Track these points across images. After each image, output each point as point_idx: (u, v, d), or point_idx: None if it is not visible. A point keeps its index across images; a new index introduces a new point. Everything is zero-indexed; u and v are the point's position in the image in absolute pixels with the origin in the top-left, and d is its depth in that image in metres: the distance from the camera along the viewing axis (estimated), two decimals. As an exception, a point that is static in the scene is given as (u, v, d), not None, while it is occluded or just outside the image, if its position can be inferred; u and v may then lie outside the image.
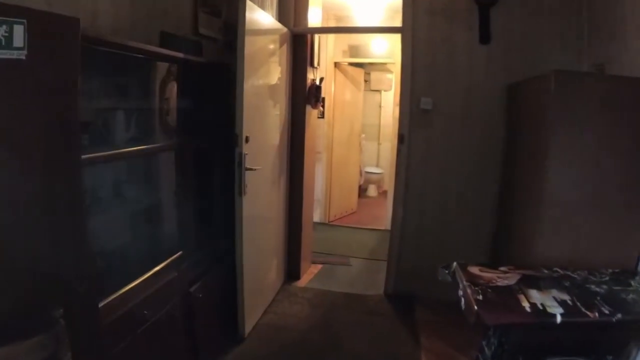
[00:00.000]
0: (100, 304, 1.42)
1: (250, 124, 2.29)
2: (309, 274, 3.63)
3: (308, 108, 3.19)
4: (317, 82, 3.23)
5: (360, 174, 6.00)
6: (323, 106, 4.74)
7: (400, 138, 2.92)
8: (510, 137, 2.76)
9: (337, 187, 5.19)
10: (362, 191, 6.44)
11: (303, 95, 3.11)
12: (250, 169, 2.25)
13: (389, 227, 4.90)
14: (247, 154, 2.23)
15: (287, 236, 3.33)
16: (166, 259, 1.93)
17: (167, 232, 2.17)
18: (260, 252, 2.71)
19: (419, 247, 3.09)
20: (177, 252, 2.03)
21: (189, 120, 2.30)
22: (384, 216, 5.29)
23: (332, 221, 5.17)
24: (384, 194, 6.94)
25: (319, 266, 3.80)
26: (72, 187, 1.26)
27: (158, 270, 1.83)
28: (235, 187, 2.24)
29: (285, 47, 2.88)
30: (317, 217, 4.98)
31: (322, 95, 4.65)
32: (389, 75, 6.82)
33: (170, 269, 1.91)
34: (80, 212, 1.30)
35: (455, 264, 1.95)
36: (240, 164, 2.20)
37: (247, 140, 2.22)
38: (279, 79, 2.82)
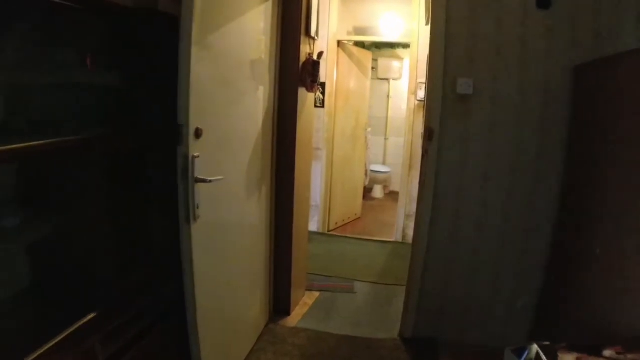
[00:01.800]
0: None
1: (207, 110, 1.50)
2: (303, 305, 2.85)
3: (302, 91, 2.39)
4: (315, 57, 2.43)
5: (366, 174, 5.21)
6: (323, 93, 3.93)
7: (429, 134, 2.12)
8: (577, 138, 1.96)
9: (339, 189, 4.40)
10: (366, 192, 5.64)
11: (295, 74, 2.30)
12: (204, 181, 1.45)
13: (400, 239, 4.15)
14: (197, 156, 1.43)
15: (273, 259, 2.55)
16: (66, 329, 1.16)
17: (70, 282, 1.39)
18: (229, 291, 1.93)
19: (448, 278, 2.31)
20: (88, 314, 1.26)
21: (113, 104, 1.51)
22: (392, 223, 4.51)
23: (332, 230, 4.38)
24: (391, 195, 6.15)
25: (316, 294, 3.01)
26: None
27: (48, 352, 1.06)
28: (180, 210, 1.45)
29: (270, 4, 2.07)
30: (314, 226, 4.20)
31: (322, 79, 3.85)
32: (399, 63, 5.99)
33: (72, 345, 1.13)
34: None
35: (535, 348, 1.16)
36: (186, 172, 1.41)
37: (198, 134, 1.43)
38: (259, 47, 2.02)
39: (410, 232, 4.13)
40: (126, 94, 1.64)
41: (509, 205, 2.14)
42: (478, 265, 2.24)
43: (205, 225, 1.55)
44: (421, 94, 3.67)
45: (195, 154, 1.43)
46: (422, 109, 3.70)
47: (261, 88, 2.10)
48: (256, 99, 2.05)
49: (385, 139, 6.31)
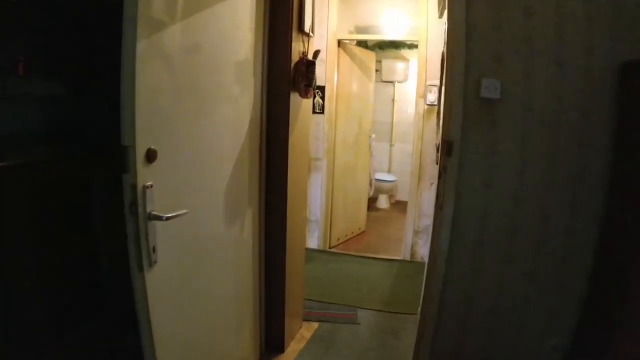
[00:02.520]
0: None
1: (164, 125, 1.16)
2: (299, 339, 2.50)
3: (295, 97, 2.05)
4: (310, 57, 2.08)
5: (370, 184, 4.86)
6: (323, 98, 3.59)
7: (448, 148, 1.76)
8: (625, 151, 1.60)
9: (342, 202, 4.05)
10: (371, 202, 5.29)
11: (286, 76, 1.96)
12: (160, 218, 1.11)
13: (408, 257, 3.79)
14: (151, 185, 1.09)
15: (264, 288, 2.20)
16: None
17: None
18: (205, 336, 1.58)
19: (468, 320, 1.94)
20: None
21: (53, 119, 1.18)
22: (400, 238, 4.16)
23: (334, 247, 4.03)
24: (397, 205, 5.80)
25: (315, 325, 2.66)
26: None
27: None
28: (131, 255, 1.10)
29: (254, -6, 1.73)
30: (314, 243, 3.86)
31: (321, 82, 3.51)
32: (404, 64, 5.65)
33: None
34: None
35: None
36: (136, 207, 1.06)
37: (150, 157, 1.08)
38: (242, 46, 1.68)
39: (420, 250, 3.79)
40: (72, 105, 1.30)
41: (543, 234, 1.78)
42: (503, 304, 1.88)
43: (166, 271, 1.20)
44: (431, 97, 3.32)
45: (148, 184, 1.08)
46: (432, 114, 3.34)
47: (245, 94, 1.76)
48: (238, 108, 1.71)
49: (391, 145, 5.96)
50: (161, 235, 1.15)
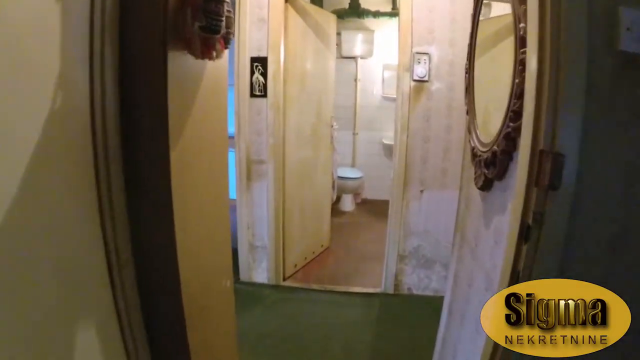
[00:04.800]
0: None
1: None
2: None
3: (183, 57, 0.94)
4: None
5: (333, 186, 3.86)
6: (264, 74, 2.50)
7: (552, 170, 0.73)
8: None
9: (297, 215, 3.01)
10: (332, 205, 4.28)
11: (155, 18, 0.85)
12: None
13: (390, 289, 2.72)
14: None
15: None
16: None
17: None
18: None
19: None
20: None
21: None
22: (374, 254, 3.23)
23: (290, 277, 3.00)
24: (364, 205, 4.86)
25: None
26: None
27: None
28: None
29: None
30: (262, 276, 2.82)
31: (263, 52, 2.44)
32: (368, 36, 4.63)
33: None
34: None
35: None
36: None
37: None
38: None
39: (407, 279, 2.84)
40: None
41: None
42: None
43: None
44: (420, 70, 2.33)
45: None
46: (422, 93, 2.36)
47: (41, 58, 0.65)
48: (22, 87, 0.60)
49: (354, 134, 4.97)
50: None
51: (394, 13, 4.44)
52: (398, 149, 2.44)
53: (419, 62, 2.32)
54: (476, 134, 1.15)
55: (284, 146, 2.70)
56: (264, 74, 2.51)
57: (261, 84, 2.52)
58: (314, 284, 2.93)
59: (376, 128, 4.90)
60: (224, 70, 1.19)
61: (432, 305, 2.66)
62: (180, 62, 0.91)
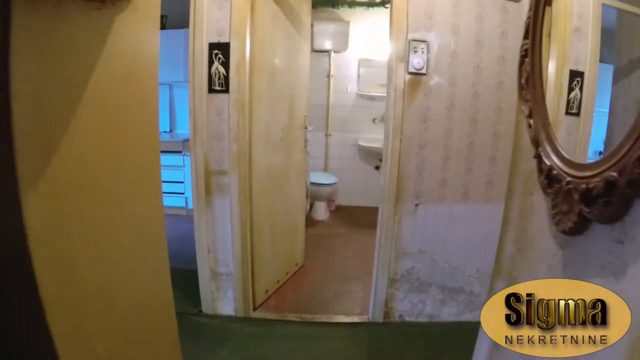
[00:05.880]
0: None
1: None
2: None
3: (62, 9, 0.47)
4: None
5: (307, 194, 3.43)
6: (225, 64, 2.04)
7: None
8: None
9: (267, 232, 2.55)
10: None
11: None
12: None
13: (380, 317, 2.18)
14: None
15: None
16: None
17: None
18: None
19: None
20: None
21: None
22: (355, 270, 2.86)
23: (260, 306, 2.53)
24: (338, 212, 4.46)
25: None
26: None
27: None
28: None
29: None
30: (228, 308, 2.35)
31: (224, 36, 1.98)
32: (342, 28, 4.22)
33: None
34: None
35: None
36: None
37: None
38: None
39: (399, 305, 2.44)
40: None
41: None
42: None
43: None
44: (417, 60, 1.93)
45: None
46: (418, 88, 1.97)
47: None
48: None
49: (327, 135, 4.55)
50: None
51: (371, 3, 4.06)
52: (390, 156, 2.03)
53: (416, 52, 1.92)
54: (556, 148, 0.75)
55: (250, 152, 2.23)
56: (226, 64, 2.04)
57: (222, 77, 2.05)
58: (290, 313, 2.48)
59: (351, 129, 4.51)
60: (152, 46, 0.72)
61: (427, 334, 2.30)
62: (44, 15, 0.44)
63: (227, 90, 2.05)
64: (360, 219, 4.32)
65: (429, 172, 2.08)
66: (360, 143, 4.34)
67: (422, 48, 1.93)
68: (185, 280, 2.36)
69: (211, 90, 2.06)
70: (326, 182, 4.09)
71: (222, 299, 2.40)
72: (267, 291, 2.61)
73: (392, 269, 2.24)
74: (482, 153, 2.11)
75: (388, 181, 2.07)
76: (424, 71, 1.94)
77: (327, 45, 4.25)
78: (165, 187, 4.42)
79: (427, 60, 1.95)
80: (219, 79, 2.05)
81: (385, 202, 2.11)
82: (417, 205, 2.12)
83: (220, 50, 2.04)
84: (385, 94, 4.10)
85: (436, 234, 2.20)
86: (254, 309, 2.48)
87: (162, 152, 4.04)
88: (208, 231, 2.26)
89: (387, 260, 2.21)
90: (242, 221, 2.22)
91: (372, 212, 4.56)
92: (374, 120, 4.45)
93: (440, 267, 2.28)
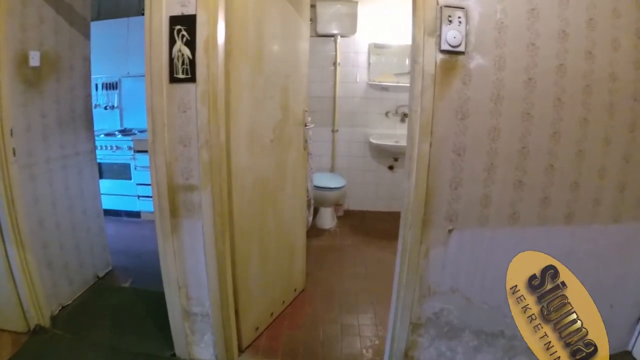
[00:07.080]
0: None
1: None
2: None
3: None
4: None
5: (309, 205, 2.90)
6: (191, 44, 1.51)
7: None
8: None
9: (257, 259, 2.04)
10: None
11: None
12: None
13: None
14: None
15: None
16: None
17: None
18: None
19: None
20: None
21: None
22: (365, 294, 2.36)
23: (250, 347, 2.03)
24: (347, 219, 3.94)
25: None
26: None
27: None
28: None
29: None
30: (207, 354, 1.84)
31: (189, 8, 1.41)
32: (349, 9, 3.66)
33: None
34: None
35: None
36: None
37: None
38: None
39: (423, 355, 1.77)
40: None
41: None
42: None
43: None
44: (453, 34, 1.38)
45: None
46: (454, 73, 1.42)
47: None
48: None
49: (333, 131, 4.01)
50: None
51: (383, -24, 3.49)
52: (415, 165, 1.48)
53: (450, 22, 1.37)
54: None
55: (228, 160, 1.71)
56: (191, 44, 1.51)
57: (187, 61, 1.52)
58: (285, 358, 1.98)
59: (360, 124, 3.96)
60: None
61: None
62: None
63: (193, 79, 1.53)
64: (371, 226, 3.79)
65: (467, 187, 1.54)
66: (371, 140, 3.79)
67: (459, 17, 1.38)
68: (160, 306, 1.88)
69: (173, 79, 1.54)
70: (333, 186, 3.56)
71: (199, 343, 1.90)
72: (257, 328, 2.11)
73: (416, 312, 1.72)
74: (537, 161, 1.57)
75: (413, 200, 1.52)
76: (461, 49, 1.39)
77: (333, 28, 3.69)
78: (143, 191, 3.94)
79: (466, 35, 1.40)
80: (182, 63, 1.53)
81: (409, 227, 1.57)
82: (450, 230, 1.59)
83: (184, 25, 1.51)
84: (399, 84, 3.46)
85: (473, 267, 1.67)
86: (240, 352, 1.99)
87: (138, 151, 3.38)
88: (177, 262, 1.75)
89: (409, 302, 1.68)
90: (218, 250, 1.71)
91: (385, 217, 4.06)
92: (387, 114, 3.89)
93: (476, 307, 1.75)
